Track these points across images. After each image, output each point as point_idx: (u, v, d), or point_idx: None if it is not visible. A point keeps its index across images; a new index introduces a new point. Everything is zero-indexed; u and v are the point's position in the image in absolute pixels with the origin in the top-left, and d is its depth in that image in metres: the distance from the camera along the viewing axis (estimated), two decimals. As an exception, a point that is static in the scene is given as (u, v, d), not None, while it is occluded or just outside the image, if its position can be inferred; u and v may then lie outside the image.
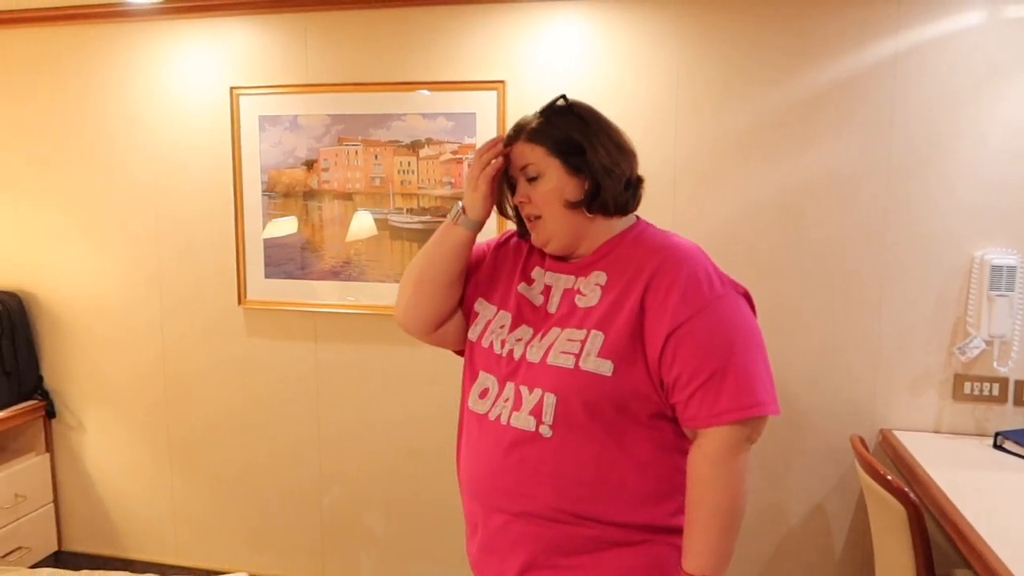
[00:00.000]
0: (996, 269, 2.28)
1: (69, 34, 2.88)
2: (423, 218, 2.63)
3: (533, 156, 1.32)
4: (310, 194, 2.73)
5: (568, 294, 1.33)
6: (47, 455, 3.08)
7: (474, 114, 2.58)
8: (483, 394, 1.36)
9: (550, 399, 1.25)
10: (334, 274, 2.75)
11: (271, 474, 2.92)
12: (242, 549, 2.99)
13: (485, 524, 1.35)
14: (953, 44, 2.30)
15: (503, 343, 1.35)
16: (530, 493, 1.27)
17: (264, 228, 2.78)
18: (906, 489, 1.85)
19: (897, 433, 2.40)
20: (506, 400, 1.31)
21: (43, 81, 2.93)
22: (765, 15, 2.40)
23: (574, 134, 1.31)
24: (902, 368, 2.44)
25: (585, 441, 1.25)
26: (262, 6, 2.69)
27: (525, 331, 1.34)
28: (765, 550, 2.59)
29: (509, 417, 1.29)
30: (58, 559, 3.13)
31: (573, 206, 1.31)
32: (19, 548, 2.91)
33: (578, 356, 1.25)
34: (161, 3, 2.73)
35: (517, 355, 1.32)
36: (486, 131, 2.57)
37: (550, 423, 1.25)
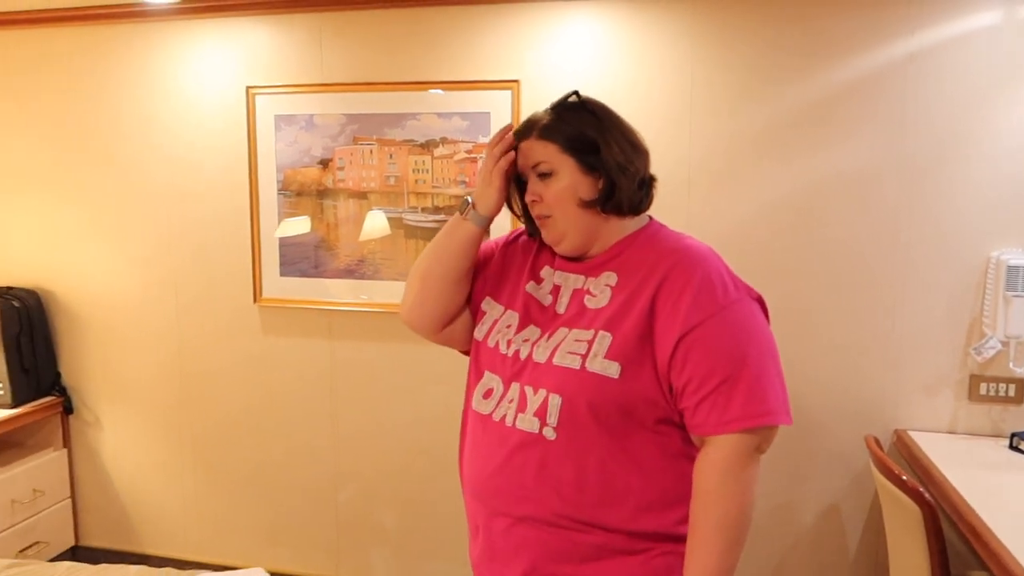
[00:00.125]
0: (1012, 269, 2.27)
1: (87, 34, 2.91)
2: (437, 217, 2.64)
3: (545, 153, 1.29)
4: (325, 193, 2.75)
5: (577, 294, 1.30)
6: (64, 451, 3.11)
7: (488, 113, 2.59)
8: (487, 394, 1.33)
9: (555, 400, 1.22)
10: (349, 272, 2.77)
11: (287, 471, 2.95)
12: (258, 545, 3.01)
13: (487, 527, 1.32)
14: (968, 44, 2.29)
15: (509, 343, 1.32)
16: (533, 497, 1.24)
17: (286, 225, 2.80)
18: (921, 489, 1.85)
19: (912, 434, 2.39)
20: (511, 401, 1.28)
21: (61, 81, 2.96)
22: (779, 15, 2.39)
23: (588, 131, 1.28)
24: (917, 368, 2.43)
25: (590, 445, 1.22)
26: (277, 6, 2.71)
27: (532, 331, 1.32)
28: (779, 550, 2.59)
29: (514, 419, 1.26)
30: (75, 554, 3.16)
31: (587, 205, 1.28)
32: (37, 543, 2.94)
33: (584, 357, 1.22)
34: (178, 3, 2.75)
35: (523, 355, 1.29)
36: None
37: (554, 425, 1.22)
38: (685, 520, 1.23)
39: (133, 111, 2.91)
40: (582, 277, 1.32)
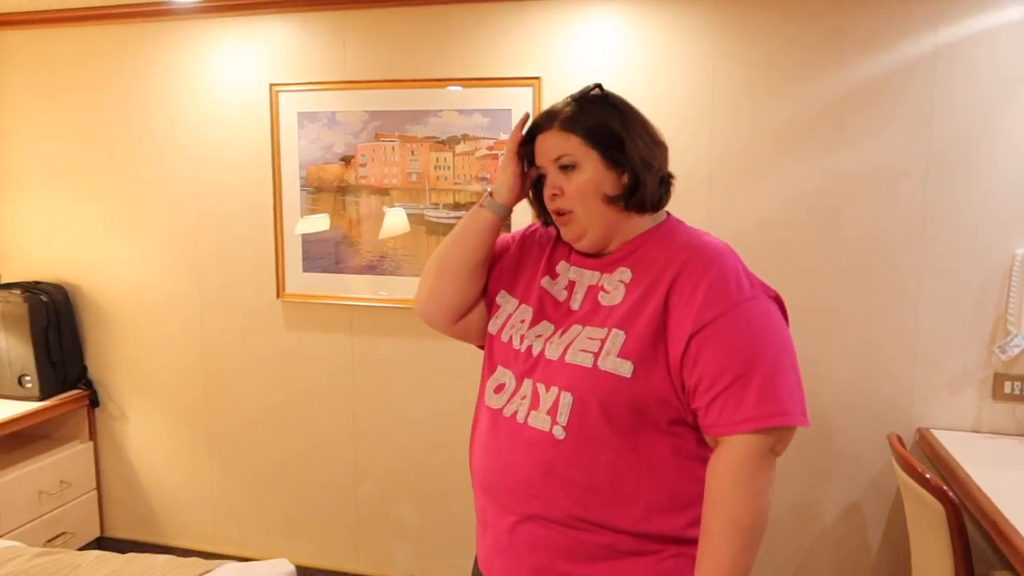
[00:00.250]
0: (1039, 267, 2.25)
1: (114, 33, 2.95)
2: (458, 213, 2.65)
3: (568, 145, 1.25)
4: (347, 189, 2.77)
5: (592, 291, 1.28)
6: (91, 443, 3.16)
7: (510, 110, 2.60)
8: (499, 389, 1.31)
9: (566, 398, 1.20)
10: (370, 268, 2.79)
11: (308, 466, 2.97)
12: (279, 538, 3.04)
13: (496, 523, 1.31)
14: (993, 39, 2.27)
15: (522, 338, 1.30)
16: (542, 495, 1.22)
17: (305, 223, 2.83)
18: (945, 488, 1.84)
19: (935, 432, 2.38)
20: (523, 397, 1.26)
21: (89, 78, 3.01)
22: (801, 11, 2.38)
23: (612, 125, 1.25)
24: (940, 367, 2.41)
25: (600, 445, 1.19)
26: (301, 4, 2.73)
27: (546, 327, 1.30)
28: (800, 547, 2.58)
29: (526, 416, 1.24)
30: (100, 544, 3.21)
31: (610, 200, 1.25)
32: (63, 533, 2.99)
33: (597, 355, 1.20)
34: (203, 2, 2.78)
35: (536, 351, 1.27)
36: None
37: (564, 424, 1.20)
38: (697, 523, 1.21)
39: (159, 109, 2.95)
40: (597, 273, 1.30)
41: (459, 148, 2.66)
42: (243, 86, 2.84)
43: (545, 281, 1.35)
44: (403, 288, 2.74)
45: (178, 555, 2.94)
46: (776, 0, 2.40)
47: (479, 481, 1.34)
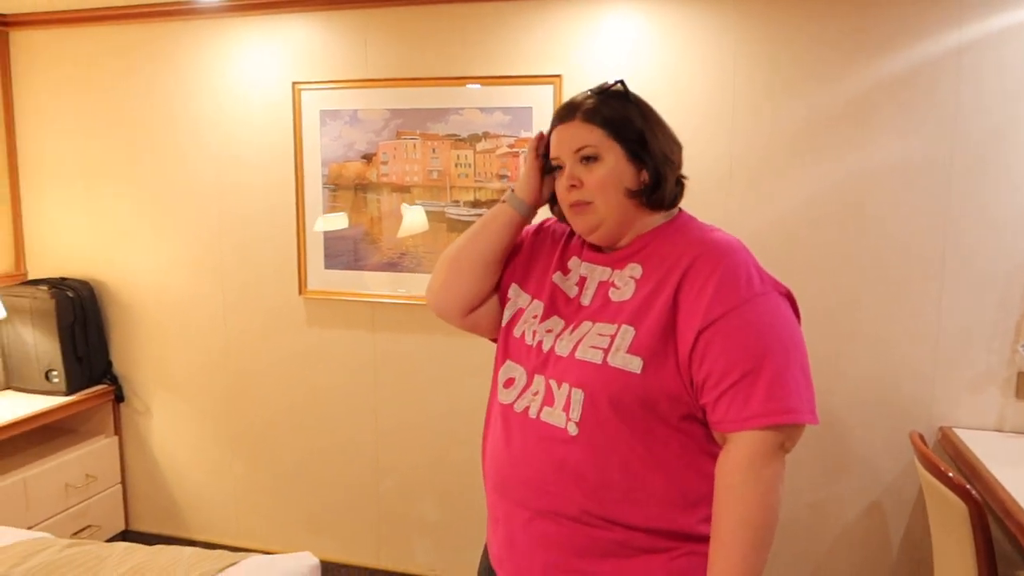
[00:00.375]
0: (1064, 265, 2.23)
1: (139, 32, 2.99)
2: (479, 211, 2.67)
3: (592, 137, 1.24)
4: (369, 187, 2.79)
5: (603, 287, 1.28)
6: (116, 438, 3.20)
7: (530, 108, 2.61)
8: (508, 383, 1.32)
9: (577, 395, 1.20)
10: (391, 265, 2.81)
11: (330, 463, 3.00)
12: (302, 534, 3.07)
13: (508, 518, 1.30)
14: (1019, 35, 2.25)
15: (534, 333, 1.30)
16: (554, 491, 1.22)
17: (324, 221, 2.85)
18: (968, 486, 1.83)
19: (958, 431, 2.36)
20: (535, 393, 1.26)
21: (112, 78, 3.05)
22: (824, 10, 2.37)
23: (635, 120, 1.25)
24: (963, 365, 2.40)
25: (612, 441, 1.19)
26: (323, 3, 2.76)
27: (556, 322, 1.30)
28: (820, 546, 2.58)
29: (539, 411, 1.24)
30: (125, 538, 3.25)
31: (631, 195, 1.24)
32: (89, 526, 3.04)
33: (606, 351, 1.20)
34: (226, 1, 2.81)
35: (546, 347, 1.27)
36: (542, 125, 2.59)
37: (577, 420, 1.20)
38: (709, 519, 1.19)
39: (183, 107, 2.99)
40: (608, 269, 1.29)
41: (480, 146, 2.67)
42: (266, 84, 2.87)
43: (557, 276, 1.35)
44: (423, 285, 2.73)
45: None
46: (798, -3, 2.39)
47: (491, 477, 1.34)
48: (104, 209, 3.14)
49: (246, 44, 2.88)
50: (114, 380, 3.18)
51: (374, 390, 2.92)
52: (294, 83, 2.83)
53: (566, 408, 1.21)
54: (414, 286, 2.78)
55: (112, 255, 3.16)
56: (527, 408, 1.26)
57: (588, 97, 1.28)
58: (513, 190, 1.36)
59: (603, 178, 1.24)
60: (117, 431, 3.22)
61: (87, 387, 3.08)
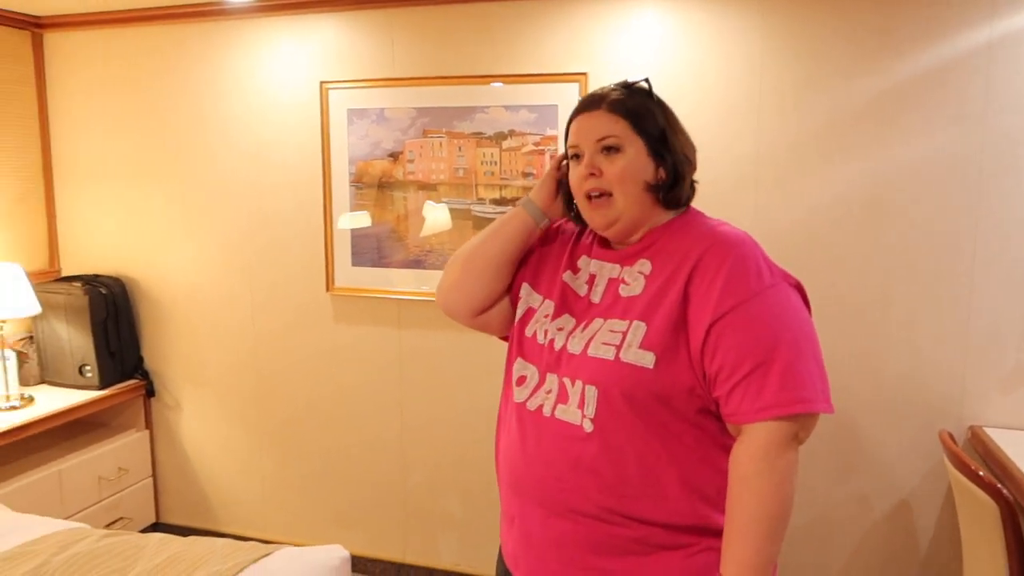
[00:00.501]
0: (1098, 263, 2.20)
1: (170, 32, 3.03)
2: (506, 208, 2.68)
3: (616, 128, 1.25)
4: (395, 185, 2.82)
5: (612, 284, 1.29)
6: (147, 432, 3.26)
7: (556, 106, 2.62)
8: (520, 381, 1.32)
9: (591, 392, 1.21)
10: (416, 263, 2.83)
11: (356, 459, 3.03)
12: (329, 528, 3.11)
13: (523, 517, 1.30)
14: (1054, 30, 2.23)
15: (546, 332, 1.31)
16: (570, 489, 1.22)
17: (347, 219, 2.88)
18: (999, 485, 1.82)
19: (988, 430, 2.34)
20: (548, 392, 1.27)
21: (144, 78, 3.10)
22: (850, 5, 2.36)
23: (659, 118, 1.27)
24: (993, 364, 2.38)
25: (628, 437, 1.19)
26: (350, 3, 2.78)
27: (567, 320, 1.31)
28: (847, 545, 2.57)
29: (553, 409, 1.25)
30: (156, 530, 3.31)
31: (650, 189, 1.26)
32: (121, 518, 3.09)
33: (619, 347, 1.20)
34: (255, 1, 2.85)
35: (558, 345, 1.28)
36: (568, 123, 2.61)
37: (591, 417, 1.20)
38: (724, 512, 1.20)
39: (213, 107, 3.03)
40: (618, 266, 1.30)
41: (506, 144, 2.68)
42: (295, 84, 2.91)
43: (567, 275, 1.36)
44: (449, 282, 2.77)
45: (231, 541, 3.02)
46: (826, -7, 2.38)
47: (506, 476, 1.35)
48: (136, 207, 3.19)
49: (275, 44, 2.92)
50: (145, 375, 3.24)
51: (400, 386, 2.95)
52: (322, 82, 2.86)
53: (580, 405, 1.22)
54: (433, 283, 2.79)
55: (143, 253, 3.21)
56: (541, 406, 1.27)
57: (614, 90, 1.30)
58: (530, 197, 1.38)
59: (623, 169, 1.25)
60: (148, 425, 3.28)
61: (119, 382, 3.13)
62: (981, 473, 1.87)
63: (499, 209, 2.70)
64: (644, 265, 1.27)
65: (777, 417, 1.13)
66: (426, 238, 2.80)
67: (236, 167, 3.03)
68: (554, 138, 2.63)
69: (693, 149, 1.33)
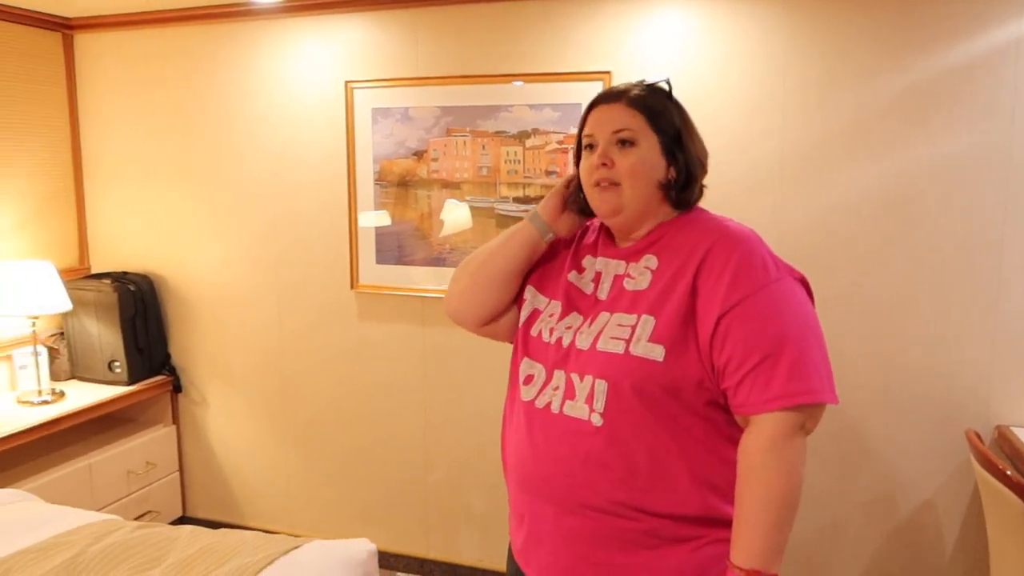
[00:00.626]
0: None
1: (198, 33, 3.08)
2: (529, 207, 2.70)
3: (634, 122, 1.28)
4: (419, 183, 2.84)
5: (618, 280, 1.31)
6: (174, 427, 3.31)
7: (579, 105, 2.63)
8: (527, 380, 1.34)
9: (601, 386, 1.22)
10: (439, 260, 2.86)
11: (380, 455, 3.06)
12: (353, 523, 3.14)
13: (533, 515, 1.32)
14: (1084, 26, 2.21)
15: (552, 331, 1.33)
16: (580, 484, 1.23)
17: (367, 217, 2.91)
18: (1027, 485, 1.81)
19: (1015, 430, 2.33)
20: (556, 388, 1.28)
21: (172, 78, 3.15)
22: (875, 1, 2.35)
23: (675, 118, 1.30)
24: (1021, 363, 2.36)
25: (638, 430, 1.21)
26: (375, 3, 2.81)
27: (575, 318, 1.32)
28: (872, 543, 2.56)
29: (561, 405, 1.26)
30: (183, 524, 3.35)
31: (661, 187, 1.29)
32: (149, 512, 3.14)
33: (628, 341, 1.22)
34: (281, 2, 2.88)
35: (566, 343, 1.30)
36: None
37: (601, 411, 1.22)
38: (733, 503, 1.22)
39: (239, 106, 3.07)
40: (623, 263, 1.32)
41: (529, 142, 2.70)
42: (319, 83, 2.94)
43: (572, 276, 1.38)
44: (473, 280, 2.79)
45: (257, 535, 3.06)
46: (851, -9, 2.38)
47: (514, 473, 1.36)
48: (164, 206, 3.24)
49: (300, 44, 2.95)
50: (172, 371, 3.28)
51: (423, 384, 2.97)
52: (347, 82, 2.89)
53: (589, 400, 1.23)
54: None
55: (171, 250, 3.26)
56: (548, 403, 1.28)
57: (634, 86, 1.33)
58: (537, 211, 1.40)
59: (635, 163, 1.28)
60: (175, 420, 3.33)
61: (147, 378, 3.18)
62: (1009, 473, 1.87)
63: (523, 207, 2.72)
64: (650, 260, 1.29)
65: (785, 408, 1.16)
66: (448, 236, 2.83)
67: (262, 166, 3.07)
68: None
69: (706, 154, 1.36)
